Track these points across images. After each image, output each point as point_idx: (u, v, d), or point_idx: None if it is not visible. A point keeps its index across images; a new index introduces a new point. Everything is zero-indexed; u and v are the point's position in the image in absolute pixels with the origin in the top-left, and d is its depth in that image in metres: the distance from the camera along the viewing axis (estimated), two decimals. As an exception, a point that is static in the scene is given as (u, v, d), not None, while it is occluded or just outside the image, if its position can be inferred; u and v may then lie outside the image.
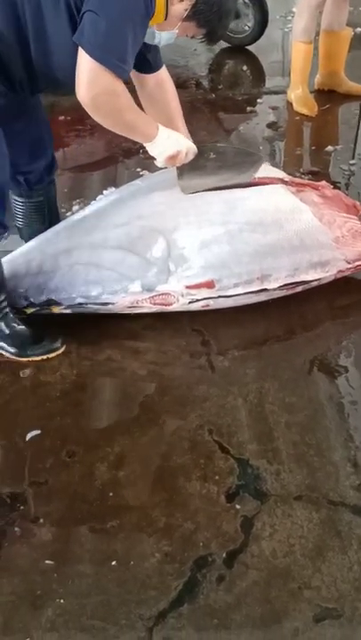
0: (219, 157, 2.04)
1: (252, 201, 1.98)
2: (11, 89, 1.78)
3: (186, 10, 1.73)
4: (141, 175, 2.96)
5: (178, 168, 1.98)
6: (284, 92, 3.68)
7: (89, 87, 1.61)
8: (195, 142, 2.13)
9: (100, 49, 1.58)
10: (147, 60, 1.91)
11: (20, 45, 1.69)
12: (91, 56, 1.58)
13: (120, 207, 2.02)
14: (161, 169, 2.10)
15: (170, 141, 1.87)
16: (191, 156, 1.95)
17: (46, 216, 2.30)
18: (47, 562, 1.44)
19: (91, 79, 1.61)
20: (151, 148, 1.87)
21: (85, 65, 1.60)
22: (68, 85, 1.69)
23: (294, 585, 1.39)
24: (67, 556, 1.46)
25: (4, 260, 2.05)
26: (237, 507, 1.55)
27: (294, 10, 4.80)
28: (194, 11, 1.73)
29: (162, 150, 1.87)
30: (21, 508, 1.56)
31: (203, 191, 2.00)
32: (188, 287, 1.94)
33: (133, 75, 2.02)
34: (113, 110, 1.69)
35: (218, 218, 1.93)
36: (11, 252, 2.16)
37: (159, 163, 1.92)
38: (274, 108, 3.61)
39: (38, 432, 1.74)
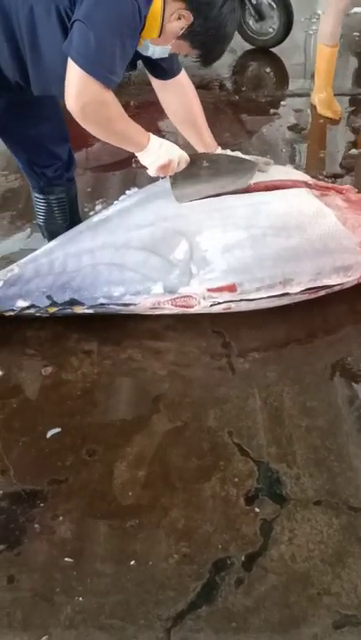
0: (212, 165, 2.01)
1: (276, 205, 1.97)
2: (9, 90, 1.79)
3: (182, 29, 1.71)
4: (165, 176, 2.97)
5: (171, 177, 1.96)
6: (307, 95, 3.67)
7: (77, 97, 1.60)
8: (219, 144, 2.14)
9: (88, 60, 1.56)
10: (161, 67, 1.89)
11: (16, 55, 1.70)
12: (79, 67, 1.57)
13: (144, 208, 2.02)
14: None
15: (162, 150, 1.84)
16: (184, 165, 1.93)
17: (67, 214, 2.31)
18: (66, 559, 1.45)
19: (79, 89, 1.60)
20: (143, 158, 1.84)
21: (74, 75, 1.58)
22: (61, 94, 1.67)
23: (313, 591, 1.38)
24: (86, 554, 1.46)
25: (26, 258, 2.07)
26: (257, 510, 1.55)
27: (319, 12, 4.79)
28: (190, 31, 1.71)
29: (154, 159, 1.84)
30: (41, 505, 1.57)
31: (198, 199, 1.98)
32: (209, 290, 1.94)
33: (152, 80, 2.02)
34: (102, 120, 1.68)
35: (241, 222, 1.92)
36: (34, 250, 2.18)
37: (151, 172, 1.88)
38: (297, 111, 3.60)
39: (59, 430, 1.75)
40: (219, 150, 2.11)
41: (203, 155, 2.04)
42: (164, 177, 1.97)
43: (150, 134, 1.82)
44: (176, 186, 1.98)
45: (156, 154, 1.83)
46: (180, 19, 1.69)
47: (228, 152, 2.14)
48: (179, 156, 1.89)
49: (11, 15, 1.64)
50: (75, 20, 1.57)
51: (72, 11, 1.59)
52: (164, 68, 1.91)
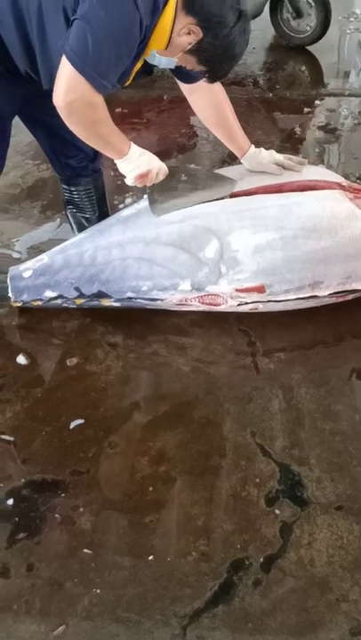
0: (190, 180, 1.99)
1: (308, 206, 1.95)
2: (25, 81, 1.80)
3: (190, 43, 1.69)
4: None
5: (148, 188, 1.93)
6: (341, 95, 3.63)
7: (66, 93, 1.59)
8: (251, 142, 2.12)
9: (82, 60, 1.54)
10: (185, 71, 1.86)
11: (26, 47, 1.70)
12: (72, 64, 1.55)
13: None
14: (219, 168, 2.08)
15: (141, 160, 1.82)
16: (162, 177, 1.90)
17: (96, 205, 2.32)
18: (85, 550, 1.46)
19: (69, 86, 1.58)
20: (122, 165, 1.82)
21: (65, 72, 1.57)
22: None
23: (332, 596, 1.37)
24: (105, 546, 1.47)
25: (56, 249, 2.08)
26: (277, 512, 1.54)
27: (357, 11, 4.75)
28: (198, 47, 1.69)
29: (133, 168, 1.82)
30: (62, 495, 1.58)
31: (174, 211, 1.96)
32: (238, 290, 1.93)
33: (180, 85, 2.00)
34: (86, 120, 1.66)
35: (272, 223, 1.91)
36: (63, 240, 2.19)
37: (129, 181, 1.86)
38: (331, 111, 3.57)
39: (82, 421, 1.76)
40: (252, 149, 2.09)
41: (181, 168, 2.02)
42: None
43: (132, 143, 1.80)
44: (153, 197, 1.97)
45: (136, 163, 1.81)
46: (189, 33, 1.67)
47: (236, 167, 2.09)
48: (158, 167, 1.87)
49: (22, 8, 1.64)
50: (75, 19, 1.55)
51: (75, 10, 1.57)
52: (188, 72, 1.88)
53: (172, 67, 1.78)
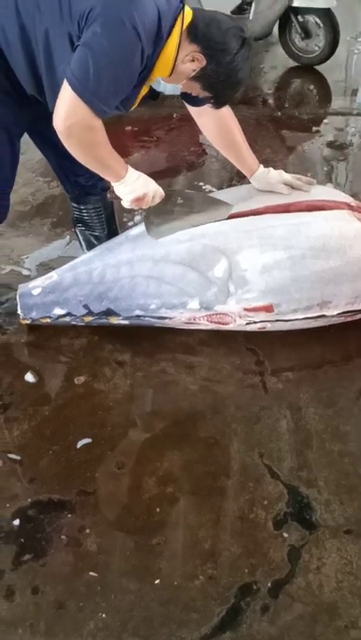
0: (186, 203, 2.00)
1: (316, 226, 1.95)
2: (31, 102, 1.83)
3: (194, 70, 1.72)
4: (204, 189, 2.97)
5: (145, 211, 1.95)
6: (350, 114, 3.65)
7: (66, 117, 1.61)
8: (260, 161, 2.12)
9: (83, 85, 1.57)
10: (190, 96, 1.88)
11: (33, 71, 1.73)
12: (73, 89, 1.58)
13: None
14: (230, 187, 2.09)
15: (138, 183, 1.83)
16: (158, 200, 1.91)
17: (105, 223, 2.33)
18: (91, 573, 1.44)
19: (69, 111, 1.60)
20: (119, 189, 1.83)
21: (66, 96, 1.59)
22: None
23: (341, 623, 1.35)
24: (111, 569, 1.45)
25: (66, 266, 2.09)
26: (285, 535, 1.53)
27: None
28: (202, 74, 1.72)
29: (130, 191, 1.83)
30: (69, 515, 1.57)
31: (170, 234, 1.97)
32: (246, 309, 1.93)
33: (188, 107, 2.02)
34: (85, 143, 1.68)
35: (281, 242, 1.91)
36: (72, 257, 2.20)
37: (125, 203, 1.87)
38: (339, 129, 3.59)
39: (89, 440, 1.75)
40: (261, 169, 2.10)
41: (177, 191, 2.03)
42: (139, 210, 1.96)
43: (129, 166, 1.81)
44: (149, 220, 1.99)
45: (132, 186, 1.82)
46: (193, 61, 1.71)
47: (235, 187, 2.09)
48: (154, 191, 1.88)
49: (29, 33, 1.67)
50: (77, 45, 1.58)
51: (80, 37, 1.60)
52: (194, 97, 1.90)
53: (178, 93, 1.82)
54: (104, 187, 2.28)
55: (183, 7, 1.69)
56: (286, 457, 1.72)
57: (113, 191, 1.86)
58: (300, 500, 1.61)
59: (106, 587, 1.42)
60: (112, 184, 1.83)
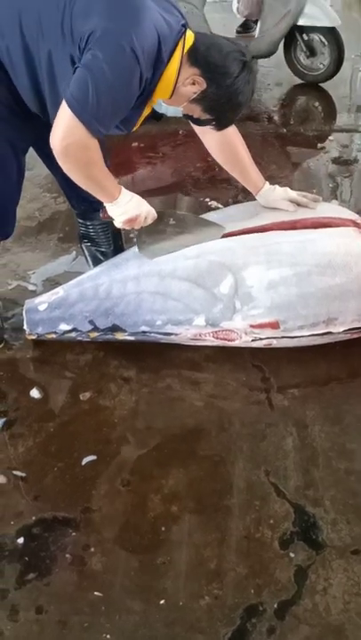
0: (178, 224, 2.01)
1: (322, 243, 1.95)
2: (36, 117, 1.85)
3: (194, 93, 1.74)
4: (209, 205, 2.98)
5: (137, 231, 1.96)
6: (355, 131, 3.66)
7: (63, 136, 1.62)
8: (265, 177, 2.13)
9: (81, 106, 1.59)
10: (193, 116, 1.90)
11: (36, 89, 1.75)
12: (71, 110, 1.59)
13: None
14: (235, 203, 2.09)
15: (131, 204, 1.85)
16: (150, 221, 1.92)
17: (111, 239, 2.33)
18: (96, 593, 1.43)
19: (66, 130, 1.62)
20: (112, 209, 1.85)
21: (64, 116, 1.61)
22: None
23: (348, 645, 1.33)
24: (116, 588, 1.44)
25: (72, 282, 2.09)
26: (291, 555, 1.51)
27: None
28: (202, 96, 1.74)
29: (122, 212, 1.84)
30: (73, 534, 1.56)
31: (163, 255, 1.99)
32: (252, 326, 1.93)
33: (193, 126, 2.02)
34: (81, 162, 1.69)
35: (287, 259, 1.91)
36: (78, 273, 2.20)
37: (117, 224, 1.89)
38: (344, 146, 3.60)
39: (94, 457, 1.75)
40: (267, 186, 2.10)
41: (169, 212, 2.04)
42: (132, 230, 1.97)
43: (122, 187, 1.83)
44: (141, 240, 2.00)
45: (125, 207, 1.84)
46: (193, 84, 1.72)
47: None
48: (146, 212, 1.89)
49: (33, 54, 1.69)
50: (77, 66, 1.60)
51: (80, 59, 1.62)
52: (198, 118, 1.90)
53: (179, 115, 1.83)
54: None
55: (185, 31, 1.71)
56: (292, 475, 1.71)
57: (106, 211, 1.88)
58: (307, 520, 1.59)
59: (110, 607, 1.40)
60: (105, 204, 1.85)
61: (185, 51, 1.71)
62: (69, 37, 1.63)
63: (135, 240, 2.02)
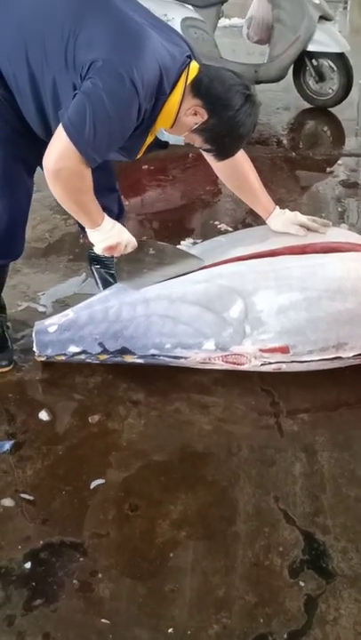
0: (158, 254, 2.02)
1: (332, 268, 1.96)
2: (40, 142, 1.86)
3: (196, 124, 1.76)
4: (218, 227, 3.00)
5: (116, 258, 1.97)
6: (362, 155, 3.70)
7: (57, 160, 1.64)
8: (274, 201, 2.14)
9: (77, 132, 1.60)
10: None
11: (41, 114, 1.78)
12: (68, 136, 1.61)
13: (201, 263, 2.04)
14: (244, 226, 2.10)
15: (112, 232, 1.86)
16: (130, 249, 1.93)
17: None
18: (103, 620, 1.41)
19: (62, 154, 1.63)
20: (93, 235, 1.86)
21: (60, 139, 1.62)
22: None
23: None
24: (123, 616, 1.42)
25: (82, 304, 2.10)
26: (301, 584, 1.49)
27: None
28: (203, 127, 1.76)
29: (104, 239, 1.86)
30: (81, 559, 1.54)
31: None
32: (261, 350, 1.93)
33: (202, 152, 2.04)
34: (70, 187, 1.70)
35: (297, 283, 1.92)
36: (88, 295, 2.21)
37: (98, 250, 1.90)
38: (353, 170, 3.62)
39: (102, 481, 1.74)
40: (277, 210, 2.11)
41: (150, 242, 2.05)
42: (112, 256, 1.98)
43: (105, 215, 1.84)
44: (120, 267, 2.01)
45: (107, 234, 1.85)
46: (195, 114, 1.75)
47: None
48: (127, 240, 1.91)
49: (38, 82, 1.72)
50: (77, 92, 1.62)
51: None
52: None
53: (181, 143, 1.86)
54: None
55: (189, 62, 1.74)
56: (302, 502, 1.69)
57: (86, 237, 1.88)
58: (317, 548, 1.57)
59: (118, 635, 1.39)
60: (87, 230, 1.86)
61: (188, 81, 1.73)
62: (72, 66, 1.66)
63: (115, 267, 2.03)
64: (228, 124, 1.75)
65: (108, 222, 1.85)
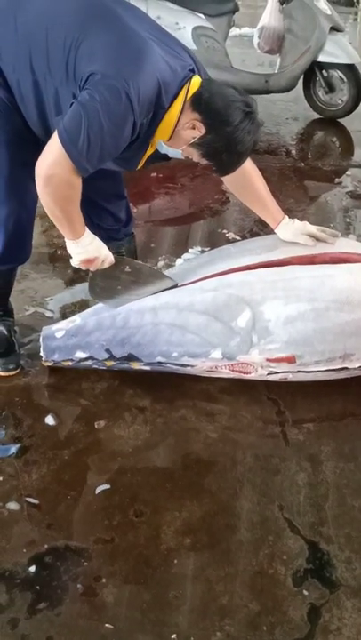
0: (133, 273, 2.02)
1: (341, 279, 1.96)
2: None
3: (193, 138, 1.75)
4: (227, 236, 3.02)
5: (92, 273, 1.98)
6: (372, 167, 3.71)
7: (50, 166, 1.65)
8: (283, 210, 2.15)
9: (73, 143, 1.61)
10: None
11: (43, 122, 1.80)
12: (63, 145, 1.62)
13: (209, 272, 2.04)
14: (252, 234, 2.11)
15: (91, 247, 1.86)
16: (107, 265, 1.94)
17: None
18: (107, 625, 1.42)
19: (55, 161, 1.64)
20: (72, 247, 1.86)
21: (55, 147, 1.63)
22: None
23: None
24: (127, 622, 1.43)
25: (89, 310, 2.11)
26: (305, 592, 1.50)
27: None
28: (200, 142, 1.75)
29: (82, 251, 1.86)
30: (85, 564, 1.55)
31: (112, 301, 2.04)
32: (268, 360, 1.94)
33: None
34: (59, 195, 1.70)
35: (305, 294, 1.92)
36: (96, 301, 2.22)
37: (75, 262, 1.90)
38: (361, 181, 3.64)
39: (108, 487, 1.74)
40: (286, 220, 2.12)
41: (127, 260, 2.05)
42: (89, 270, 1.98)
43: (86, 228, 1.85)
44: (94, 282, 2.02)
45: (86, 247, 1.85)
46: (193, 128, 1.74)
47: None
48: (105, 256, 1.91)
49: (42, 91, 1.74)
50: (74, 102, 1.63)
51: None
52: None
53: (179, 157, 1.84)
54: (127, 232, 2.32)
55: (192, 76, 1.75)
56: (307, 511, 1.69)
57: (65, 247, 1.89)
58: (321, 557, 1.58)
59: (121, 640, 1.39)
60: (67, 241, 1.86)
61: (189, 95, 1.73)
62: (72, 77, 1.67)
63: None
64: (225, 140, 1.73)
65: (89, 236, 1.86)
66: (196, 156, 1.81)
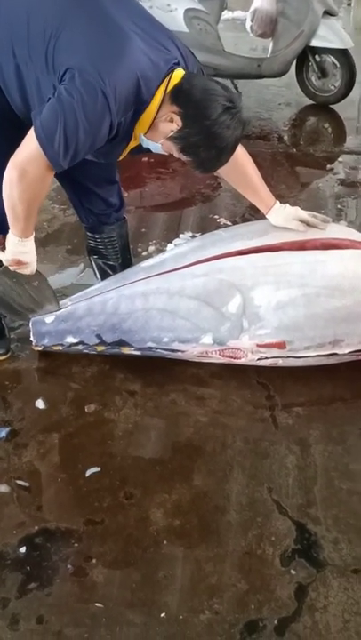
0: (36, 289, 2.04)
1: (332, 265, 1.97)
2: None
3: (172, 131, 1.71)
4: (218, 221, 3.02)
5: (5, 267, 1.95)
6: (361, 153, 3.71)
7: (25, 160, 1.64)
8: (275, 195, 2.14)
9: (49, 141, 1.60)
10: None
11: (27, 109, 1.76)
12: (39, 142, 1.61)
13: (200, 257, 2.04)
14: (244, 220, 2.10)
15: (31, 252, 1.86)
16: (27, 272, 1.93)
17: (119, 253, 2.35)
18: (97, 604, 1.44)
19: (31, 155, 1.63)
20: (15, 244, 1.83)
21: (31, 143, 1.62)
22: None
23: (347, 665, 1.33)
24: (117, 601, 1.45)
25: (80, 295, 2.11)
26: (292, 572, 1.52)
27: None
28: (178, 135, 1.70)
29: (21, 252, 1.84)
30: (76, 545, 1.56)
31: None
32: (258, 345, 1.95)
33: None
34: (30, 192, 1.69)
35: (296, 280, 1.93)
36: (86, 285, 2.22)
37: (3, 256, 1.88)
38: (353, 168, 3.63)
39: (98, 469, 1.76)
40: (277, 205, 2.11)
41: (42, 278, 2.05)
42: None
43: (34, 233, 1.84)
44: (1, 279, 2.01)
45: (22, 250, 1.84)
46: (171, 121, 1.70)
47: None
48: (31, 265, 1.90)
49: (24, 76, 1.71)
50: (52, 96, 1.61)
51: None
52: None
53: (160, 151, 1.81)
54: (119, 217, 2.32)
55: (174, 69, 1.70)
56: (295, 493, 1.71)
57: (3, 239, 1.87)
58: (308, 538, 1.60)
59: (111, 619, 1.41)
60: (9, 235, 1.82)
61: (169, 88, 1.69)
62: (52, 68, 1.65)
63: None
64: (203, 134, 1.67)
65: (30, 242, 1.85)
66: (175, 150, 1.77)
